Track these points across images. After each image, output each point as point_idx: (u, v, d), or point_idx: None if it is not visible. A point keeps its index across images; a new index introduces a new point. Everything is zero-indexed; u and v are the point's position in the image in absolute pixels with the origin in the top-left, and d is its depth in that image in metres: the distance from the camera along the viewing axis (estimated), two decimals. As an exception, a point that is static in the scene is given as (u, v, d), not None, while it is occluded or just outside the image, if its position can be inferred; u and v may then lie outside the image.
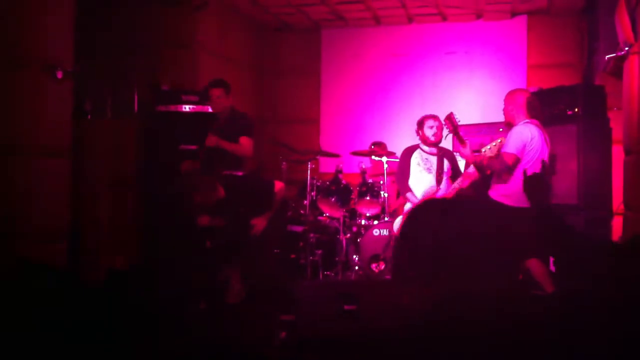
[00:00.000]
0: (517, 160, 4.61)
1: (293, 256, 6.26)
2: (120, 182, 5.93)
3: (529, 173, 4.67)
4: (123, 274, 4.76)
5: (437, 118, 5.74)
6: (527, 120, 4.71)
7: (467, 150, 4.84)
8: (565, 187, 5.50)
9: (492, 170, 4.81)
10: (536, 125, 4.71)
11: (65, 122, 4.80)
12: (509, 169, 4.65)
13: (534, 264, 4.65)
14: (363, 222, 6.38)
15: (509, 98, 4.87)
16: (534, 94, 5.90)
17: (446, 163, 5.74)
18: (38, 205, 4.55)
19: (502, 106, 4.88)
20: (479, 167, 4.94)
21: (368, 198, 6.33)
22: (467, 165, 5.32)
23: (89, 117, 5.70)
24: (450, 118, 4.96)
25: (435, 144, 5.73)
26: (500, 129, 5.95)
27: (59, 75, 4.57)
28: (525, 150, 4.61)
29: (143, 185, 6.10)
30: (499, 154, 4.69)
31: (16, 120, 4.53)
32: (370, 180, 6.47)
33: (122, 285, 3.89)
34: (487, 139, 5.49)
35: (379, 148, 6.72)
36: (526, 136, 4.62)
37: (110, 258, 5.45)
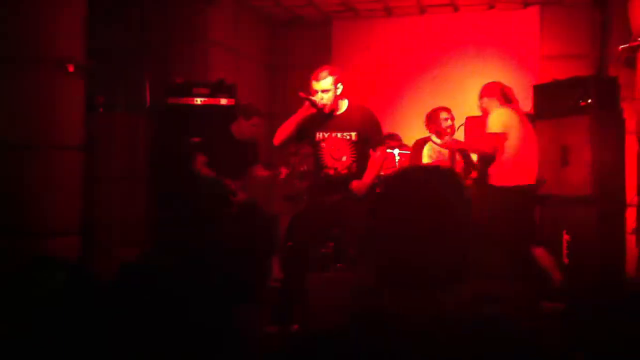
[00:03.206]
0: (505, 139, 4.71)
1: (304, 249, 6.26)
2: (132, 175, 5.96)
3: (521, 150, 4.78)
4: (135, 267, 4.78)
5: (449, 110, 5.74)
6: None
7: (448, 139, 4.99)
8: (578, 178, 5.46)
9: (482, 154, 4.89)
10: (512, 108, 4.92)
11: (78, 116, 4.84)
12: (499, 149, 4.73)
13: (540, 252, 4.70)
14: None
15: (483, 90, 5.10)
16: (546, 85, 5.92)
17: (457, 155, 5.72)
18: (51, 199, 4.59)
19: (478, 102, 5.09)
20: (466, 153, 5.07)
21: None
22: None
23: (101, 110, 5.72)
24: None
25: (450, 135, 5.72)
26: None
27: (71, 69, 4.60)
28: (509, 128, 4.73)
29: (155, 178, 6.13)
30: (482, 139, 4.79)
31: (29, 115, 4.57)
32: (382, 173, 6.45)
33: (134, 279, 3.91)
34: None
35: (392, 140, 6.70)
36: (505, 115, 4.82)
37: (123, 251, 5.49)
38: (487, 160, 4.96)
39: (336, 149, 4.44)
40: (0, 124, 4.54)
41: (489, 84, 5.13)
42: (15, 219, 4.47)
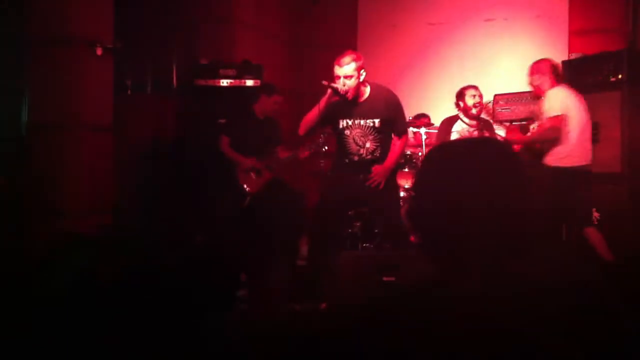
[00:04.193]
0: (566, 120, 4.64)
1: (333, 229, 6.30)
2: (159, 156, 6.03)
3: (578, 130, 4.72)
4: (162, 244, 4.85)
5: (477, 88, 5.67)
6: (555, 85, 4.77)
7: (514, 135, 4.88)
8: (608, 155, 5.39)
9: (547, 141, 4.77)
10: (566, 86, 4.81)
11: (107, 97, 4.90)
12: (562, 131, 4.65)
13: (592, 232, 4.68)
14: (402, 194, 6.36)
15: (533, 67, 4.91)
16: (576, 60, 5.83)
17: (487, 135, 5.68)
18: (84, 179, 4.67)
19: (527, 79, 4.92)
20: (533, 145, 4.90)
21: (406, 170, 6.31)
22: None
23: (129, 92, 5.78)
24: None
25: (477, 116, 5.67)
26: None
27: (99, 52, 4.66)
28: (567, 108, 4.67)
29: (182, 159, 6.19)
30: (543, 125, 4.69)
31: (60, 96, 4.64)
32: (408, 152, 6.44)
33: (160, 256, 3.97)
34: (530, 107, 5.43)
35: (419, 120, 6.66)
36: (562, 94, 4.70)
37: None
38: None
39: (360, 135, 4.46)
40: (33, 105, 4.62)
41: (539, 61, 4.99)
42: (49, 199, 4.56)
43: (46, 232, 4.41)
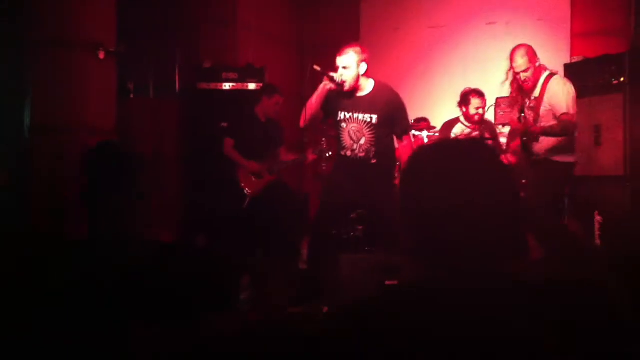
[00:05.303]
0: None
1: (334, 232, 6.30)
2: (162, 159, 6.04)
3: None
4: (166, 248, 4.87)
5: (483, 96, 5.66)
6: (552, 72, 4.65)
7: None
8: (611, 157, 5.38)
9: (563, 135, 4.63)
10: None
11: (110, 101, 4.91)
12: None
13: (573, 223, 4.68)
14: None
15: (532, 53, 4.67)
16: (578, 63, 5.82)
17: (487, 135, 5.68)
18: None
19: (523, 70, 4.62)
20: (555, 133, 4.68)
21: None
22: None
23: (132, 96, 5.80)
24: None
25: (477, 122, 5.67)
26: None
27: (101, 55, 4.67)
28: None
29: (185, 162, 6.21)
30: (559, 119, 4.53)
31: (63, 99, 4.65)
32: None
33: (164, 260, 3.97)
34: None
35: (421, 122, 6.66)
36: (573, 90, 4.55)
37: (154, 233, 5.57)
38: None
39: (356, 130, 4.38)
40: (35, 107, 4.63)
41: (527, 46, 4.76)
42: (53, 203, 4.57)
43: (47, 233, 4.42)
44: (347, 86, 4.28)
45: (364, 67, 4.31)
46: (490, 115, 5.99)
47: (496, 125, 6.06)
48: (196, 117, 6.29)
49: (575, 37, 7.35)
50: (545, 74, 4.61)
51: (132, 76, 5.92)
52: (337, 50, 4.36)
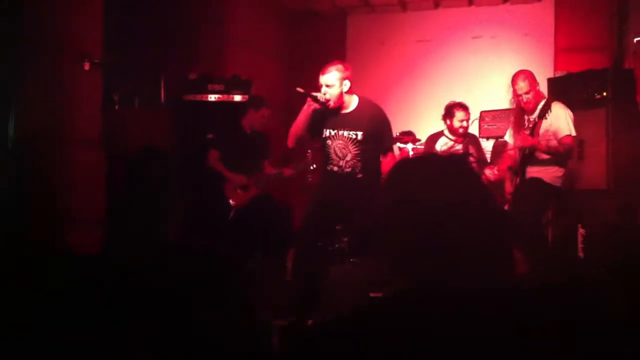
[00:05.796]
0: None
1: (319, 243, 6.29)
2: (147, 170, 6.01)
3: None
4: (158, 257, 4.84)
5: (467, 110, 5.70)
6: (550, 97, 4.82)
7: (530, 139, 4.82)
8: (594, 172, 5.43)
9: (562, 157, 4.83)
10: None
11: (95, 111, 4.89)
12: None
13: None
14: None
15: (532, 77, 4.89)
16: (561, 77, 5.89)
17: (471, 150, 5.71)
18: (75, 194, 4.65)
19: (524, 92, 4.83)
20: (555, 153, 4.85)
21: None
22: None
23: (117, 107, 5.77)
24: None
25: (462, 135, 5.71)
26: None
27: (86, 67, 4.66)
28: None
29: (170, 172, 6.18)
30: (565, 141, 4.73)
31: (48, 109, 4.62)
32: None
33: (157, 269, 3.96)
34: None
35: (406, 136, 6.69)
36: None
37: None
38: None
39: (342, 147, 4.43)
40: (20, 117, 4.60)
41: (529, 72, 4.99)
42: (41, 214, 4.53)
43: (40, 242, 4.38)
44: (331, 104, 4.33)
45: (347, 84, 4.35)
46: (474, 129, 6.02)
47: (480, 138, 6.11)
48: (182, 128, 6.28)
49: (559, 52, 7.43)
50: (544, 100, 4.83)
51: (117, 87, 5.90)
52: (321, 68, 4.41)
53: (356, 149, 4.41)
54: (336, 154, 4.46)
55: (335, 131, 4.43)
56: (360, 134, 4.38)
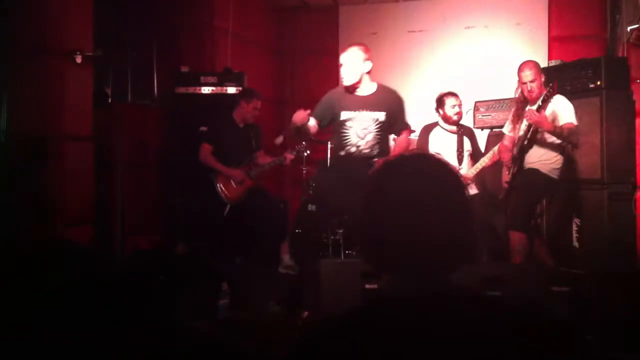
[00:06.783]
0: None
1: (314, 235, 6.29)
2: (141, 165, 5.99)
3: None
4: (146, 255, 4.83)
5: (457, 96, 5.69)
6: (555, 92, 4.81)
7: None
8: (588, 161, 5.43)
9: (568, 140, 4.83)
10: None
11: (87, 107, 4.85)
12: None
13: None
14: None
15: (538, 68, 4.89)
16: (555, 66, 5.88)
17: (466, 141, 5.70)
18: (64, 189, 4.62)
19: (530, 80, 4.82)
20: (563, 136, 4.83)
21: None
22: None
23: (110, 101, 5.74)
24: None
25: (457, 122, 5.70)
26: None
27: (79, 59, 4.62)
28: None
29: (164, 167, 6.16)
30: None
31: (39, 105, 4.58)
32: (390, 159, 6.44)
33: (145, 266, 3.94)
34: (509, 114, 5.44)
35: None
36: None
37: (134, 240, 5.52)
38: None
39: (362, 128, 4.55)
40: (11, 114, 4.57)
41: (535, 62, 5.00)
42: (30, 210, 4.50)
43: (31, 241, 4.35)
44: (346, 82, 4.52)
45: (367, 65, 4.56)
46: (469, 120, 6.02)
47: (475, 128, 6.10)
48: (175, 121, 6.25)
49: (553, 41, 7.43)
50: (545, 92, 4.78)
51: (109, 81, 5.86)
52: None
53: (378, 129, 4.55)
54: (357, 135, 4.56)
55: (357, 112, 4.55)
56: (383, 114, 4.56)
